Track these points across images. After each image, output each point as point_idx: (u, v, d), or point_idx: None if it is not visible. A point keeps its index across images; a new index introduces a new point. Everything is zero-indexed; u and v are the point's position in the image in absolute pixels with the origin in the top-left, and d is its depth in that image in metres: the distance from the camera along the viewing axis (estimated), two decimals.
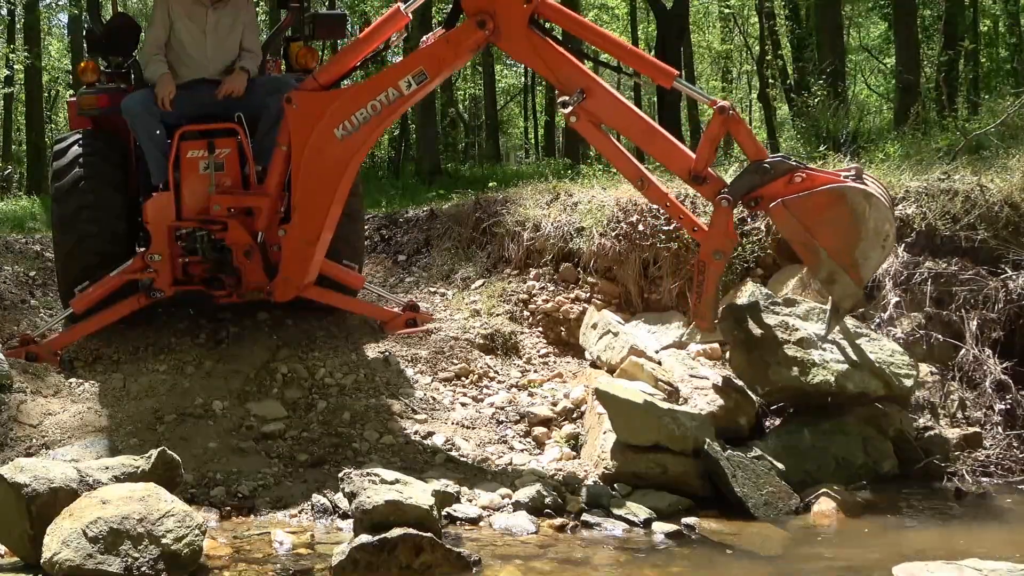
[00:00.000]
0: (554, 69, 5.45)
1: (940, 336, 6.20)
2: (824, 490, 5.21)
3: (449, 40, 5.51)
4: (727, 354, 6.20)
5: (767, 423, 5.93)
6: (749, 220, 7.02)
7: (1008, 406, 5.91)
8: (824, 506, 5.16)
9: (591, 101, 5.37)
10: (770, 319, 5.77)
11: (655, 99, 15.65)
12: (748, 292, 6.27)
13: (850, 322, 5.96)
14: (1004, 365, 6.04)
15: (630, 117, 5.49)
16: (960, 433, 5.75)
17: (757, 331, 5.71)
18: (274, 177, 6.02)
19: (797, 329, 5.70)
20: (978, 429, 5.81)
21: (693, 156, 5.36)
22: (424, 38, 5.74)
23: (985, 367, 6.00)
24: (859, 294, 5.51)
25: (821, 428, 5.59)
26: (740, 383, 5.86)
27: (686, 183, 5.64)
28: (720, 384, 5.88)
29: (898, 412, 5.74)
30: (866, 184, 5.29)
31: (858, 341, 5.79)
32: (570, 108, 5.37)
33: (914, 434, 5.71)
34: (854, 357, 5.68)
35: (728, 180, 5.49)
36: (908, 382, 5.68)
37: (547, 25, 5.66)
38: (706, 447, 5.22)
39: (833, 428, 5.60)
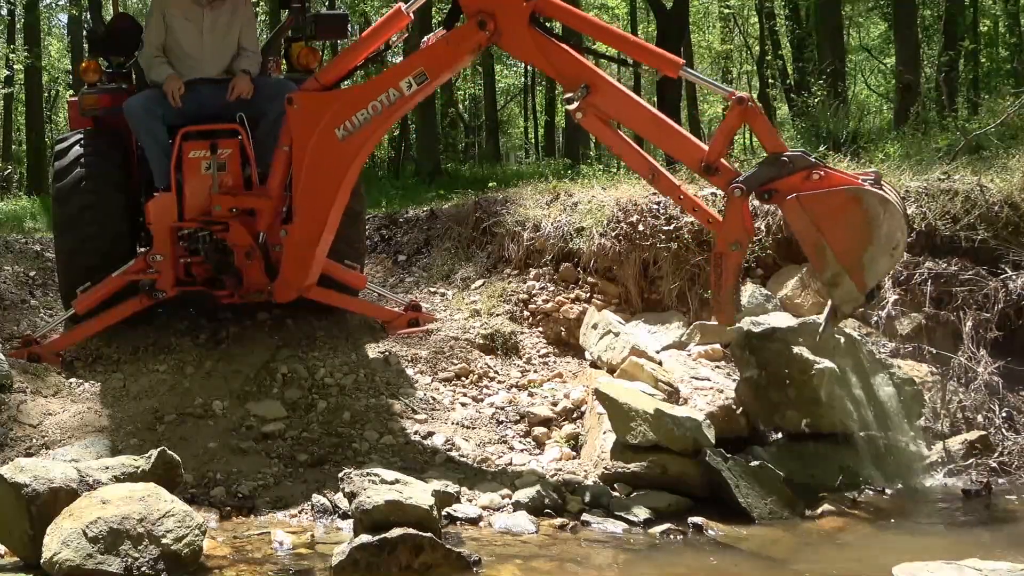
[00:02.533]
0: (557, 66, 5.39)
1: (939, 336, 6.20)
2: (830, 500, 5.22)
3: (449, 41, 5.46)
4: (731, 364, 6.20)
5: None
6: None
7: (1007, 413, 5.90)
8: (826, 508, 5.17)
9: (596, 96, 5.29)
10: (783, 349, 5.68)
11: (655, 99, 15.62)
12: (748, 292, 6.27)
13: (853, 331, 5.95)
14: (996, 365, 6.01)
15: (636, 109, 5.41)
16: (966, 440, 5.72)
17: (769, 366, 5.66)
18: (276, 178, 6.01)
19: (811, 366, 5.62)
20: (982, 432, 5.78)
21: (703, 147, 5.28)
22: (425, 39, 5.70)
23: (977, 368, 5.99)
24: (860, 299, 5.38)
25: (826, 440, 5.57)
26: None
27: (697, 174, 5.51)
28: (720, 387, 5.88)
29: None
30: (884, 190, 5.21)
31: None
32: (575, 104, 5.30)
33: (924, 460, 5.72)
34: (863, 394, 5.67)
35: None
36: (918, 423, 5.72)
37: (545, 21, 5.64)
38: (707, 458, 5.19)
39: (839, 441, 5.57)
